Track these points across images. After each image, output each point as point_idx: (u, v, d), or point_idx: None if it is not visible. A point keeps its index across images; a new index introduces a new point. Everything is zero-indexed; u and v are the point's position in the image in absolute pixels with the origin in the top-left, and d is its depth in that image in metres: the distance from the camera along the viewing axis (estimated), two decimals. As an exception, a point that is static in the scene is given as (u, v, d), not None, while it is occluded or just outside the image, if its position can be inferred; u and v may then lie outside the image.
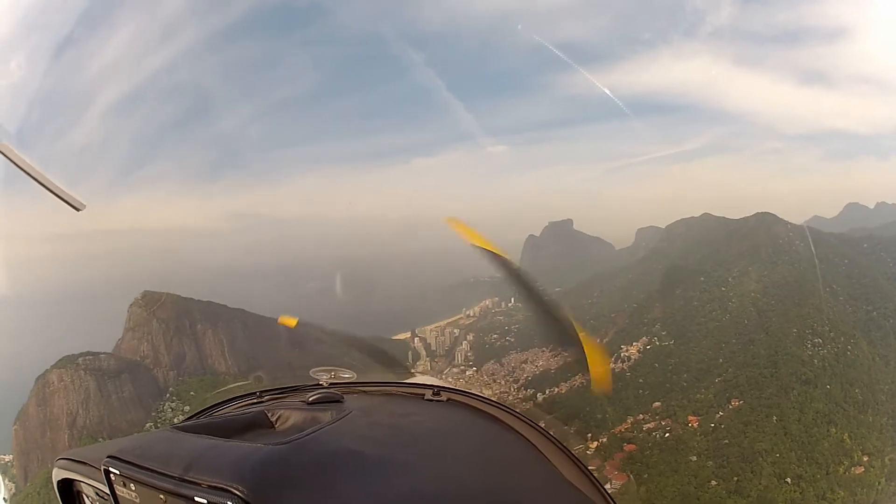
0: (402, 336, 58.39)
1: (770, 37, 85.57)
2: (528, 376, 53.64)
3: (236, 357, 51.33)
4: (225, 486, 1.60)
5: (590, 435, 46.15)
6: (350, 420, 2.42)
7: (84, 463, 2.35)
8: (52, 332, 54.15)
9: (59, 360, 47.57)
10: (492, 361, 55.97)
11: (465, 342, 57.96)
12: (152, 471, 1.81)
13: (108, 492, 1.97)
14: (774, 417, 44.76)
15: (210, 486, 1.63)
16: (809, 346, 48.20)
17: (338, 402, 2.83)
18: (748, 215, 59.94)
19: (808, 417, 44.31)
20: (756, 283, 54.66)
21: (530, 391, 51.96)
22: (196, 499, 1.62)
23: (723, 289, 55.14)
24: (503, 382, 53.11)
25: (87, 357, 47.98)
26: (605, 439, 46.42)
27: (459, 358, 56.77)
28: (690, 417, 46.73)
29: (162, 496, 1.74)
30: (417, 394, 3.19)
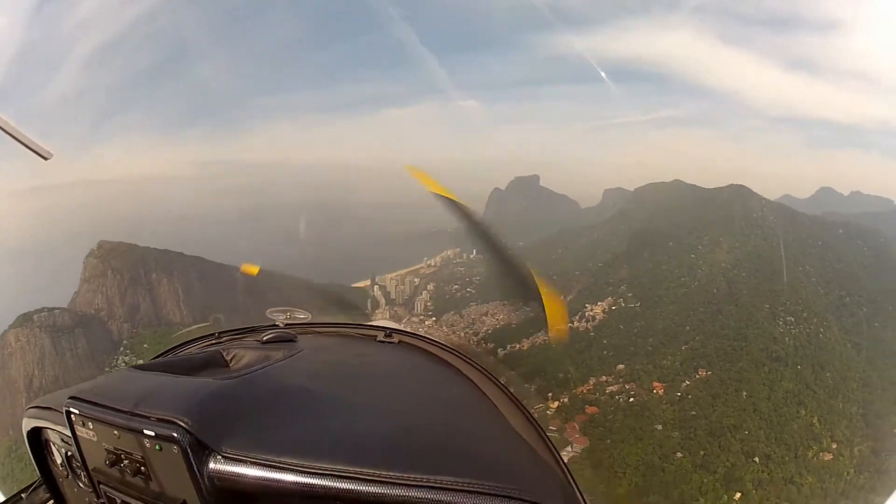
0: (362, 284, 57.15)
1: (759, 20, 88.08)
2: (488, 329, 51.17)
3: (191, 306, 50.60)
4: (171, 419, 1.63)
5: (550, 394, 43.19)
6: (300, 357, 2.46)
7: (51, 409, 2.31)
8: (12, 289, 51.86)
9: (16, 318, 45.66)
10: (451, 312, 54.22)
11: (424, 291, 57.51)
12: (108, 408, 1.81)
13: (70, 434, 1.97)
14: (744, 393, 42.28)
15: (158, 419, 1.66)
16: (781, 323, 46.00)
17: (291, 341, 2.80)
18: (722, 186, 58.48)
19: (778, 396, 42.04)
20: (727, 253, 52.44)
21: (490, 345, 48.67)
22: (145, 431, 1.66)
23: (692, 256, 52.77)
24: (462, 334, 50.13)
25: (41, 314, 46.18)
26: (566, 399, 43.39)
27: (419, 307, 55.40)
28: (655, 384, 43.96)
29: (116, 432, 1.77)
30: (370, 335, 3.19)
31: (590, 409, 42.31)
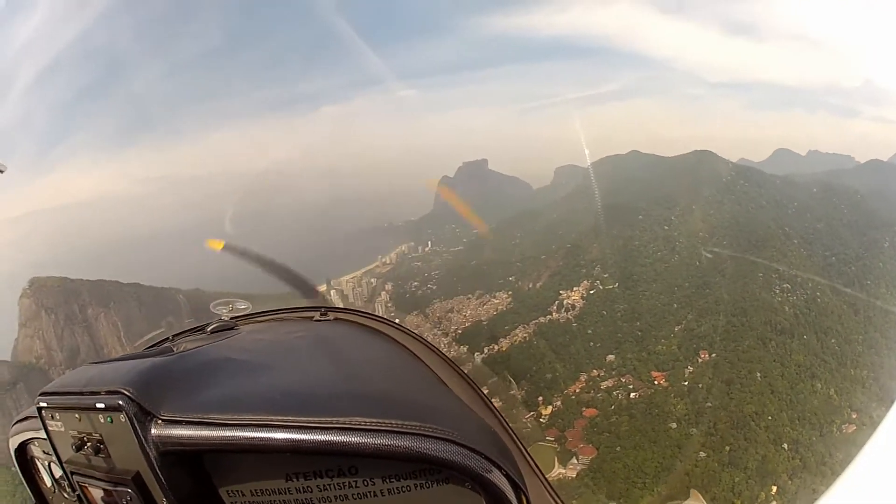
0: (318, 288, 48.81)
1: None
2: (457, 329, 46.29)
3: (133, 338, 46.83)
4: (117, 389, 1.71)
5: (541, 398, 38.63)
6: (237, 338, 2.53)
7: (29, 417, 2.39)
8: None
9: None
10: (415, 312, 49.68)
11: (383, 292, 53.90)
12: (69, 393, 1.91)
13: (45, 437, 2.06)
14: (758, 373, 38.02)
15: (106, 392, 1.74)
16: (778, 291, 42.58)
17: (232, 328, 2.74)
18: (685, 153, 55.74)
19: (791, 372, 38.32)
20: (702, 222, 48.65)
21: (464, 347, 43.40)
22: (97, 405, 1.74)
23: (665, 227, 48.65)
24: (431, 336, 42.88)
25: None
26: (559, 402, 38.71)
27: (380, 309, 50.14)
28: (654, 373, 39.17)
29: (77, 415, 1.85)
30: (307, 316, 3.07)
31: (588, 412, 37.83)
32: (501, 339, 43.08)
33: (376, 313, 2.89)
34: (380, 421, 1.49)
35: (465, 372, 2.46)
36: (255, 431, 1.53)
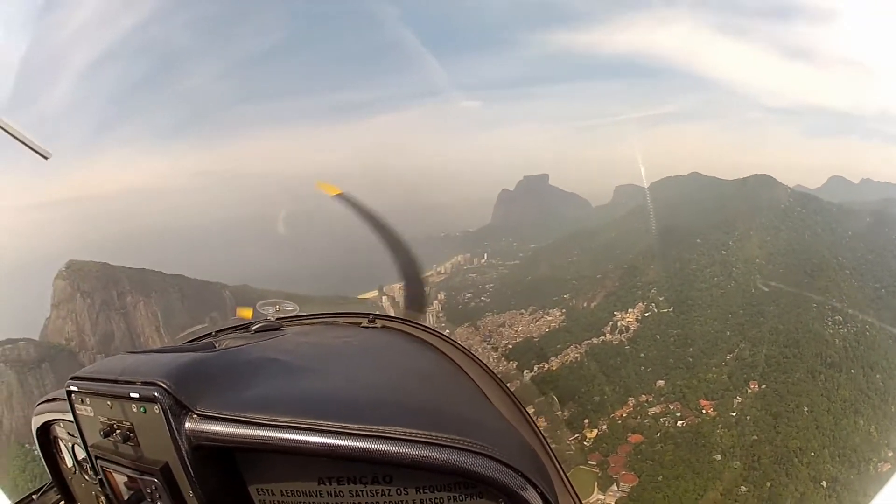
0: (369, 294, 53.56)
1: (757, 10, 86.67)
2: (507, 344, 46.77)
3: (173, 331, 46.40)
4: (153, 381, 1.73)
5: (587, 421, 38.90)
6: (281, 339, 2.57)
7: (56, 399, 2.47)
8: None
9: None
10: (466, 324, 50.13)
11: (436, 301, 52.96)
12: (101, 380, 1.94)
13: (72, 420, 2.11)
14: (805, 408, 38.19)
15: (142, 383, 1.76)
16: (831, 323, 42.31)
17: (277, 329, 2.86)
18: (745, 176, 55.42)
19: (837, 407, 38.34)
20: (759, 248, 48.79)
21: (513, 363, 43.89)
22: (130, 395, 1.77)
23: (723, 252, 48.75)
24: (480, 350, 45.14)
25: (5, 346, 42.71)
26: (604, 426, 38.96)
27: (431, 319, 49.08)
28: (703, 402, 39.54)
29: (108, 402, 1.88)
30: (354, 322, 3.25)
31: (633, 438, 38.09)
32: (552, 358, 43.23)
33: (425, 323, 3.04)
34: (418, 432, 1.52)
35: (510, 388, 2.54)
36: (292, 434, 1.56)
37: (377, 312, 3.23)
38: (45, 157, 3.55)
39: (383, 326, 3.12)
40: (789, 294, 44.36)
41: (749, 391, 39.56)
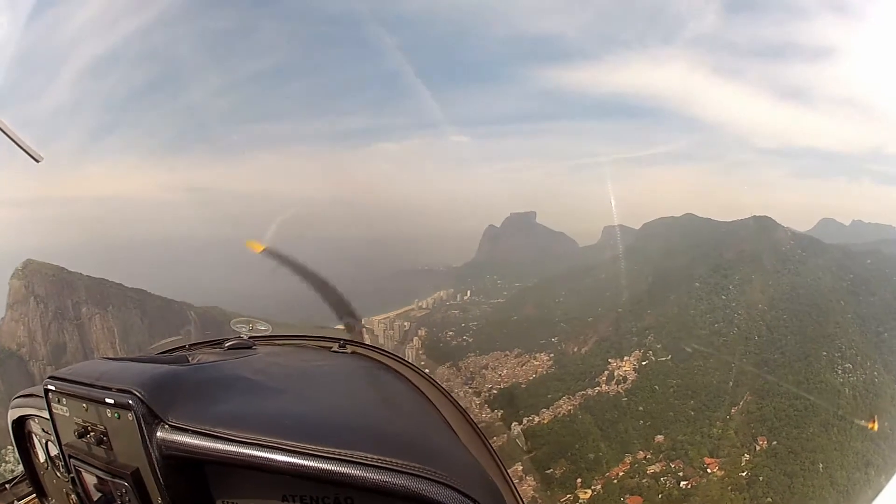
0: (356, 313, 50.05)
1: (752, 50, 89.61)
2: (492, 388, 44.25)
3: (130, 350, 45.12)
4: (128, 389, 1.78)
5: (580, 480, 36.13)
6: (253, 358, 2.61)
7: (33, 395, 2.53)
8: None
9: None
10: (447, 364, 47.68)
11: (416, 338, 51.53)
12: (79, 383, 1.98)
13: (48, 417, 2.16)
14: (820, 465, 35.55)
15: (117, 390, 1.81)
16: (840, 372, 40.13)
17: (250, 348, 2.92)
18: (744, 218, 53.87)
19: (849, 460, 36.00)
20: (760, 293, 46.46)
21: (498, 412, 41.28)
22: (106, 400, 1.82)
23: (723, 297, 46.53)
24: (461, 393, 42.21)
25: None
26: (599, 486, 36.12)
27: (410, 355, 46.96)
28: (707, 459, 36.68)
29: (84, 405, 1.94)
30: (325, 346, 3.30)
31: (631, 500, 35.16)
32: (543, 410, 40.75)
33: (397, 353, 2.98)
34: (381, 458, 1.52)
35: (476, 422, 2.56)
36: (259, 451, 1.58)
37: (348, 338, 3.27)
38: (37, 161, 3.56)
39: (353, 352, 3.14)
40: (795, 342, 42.18)
41: (758, 448, 36.82)
